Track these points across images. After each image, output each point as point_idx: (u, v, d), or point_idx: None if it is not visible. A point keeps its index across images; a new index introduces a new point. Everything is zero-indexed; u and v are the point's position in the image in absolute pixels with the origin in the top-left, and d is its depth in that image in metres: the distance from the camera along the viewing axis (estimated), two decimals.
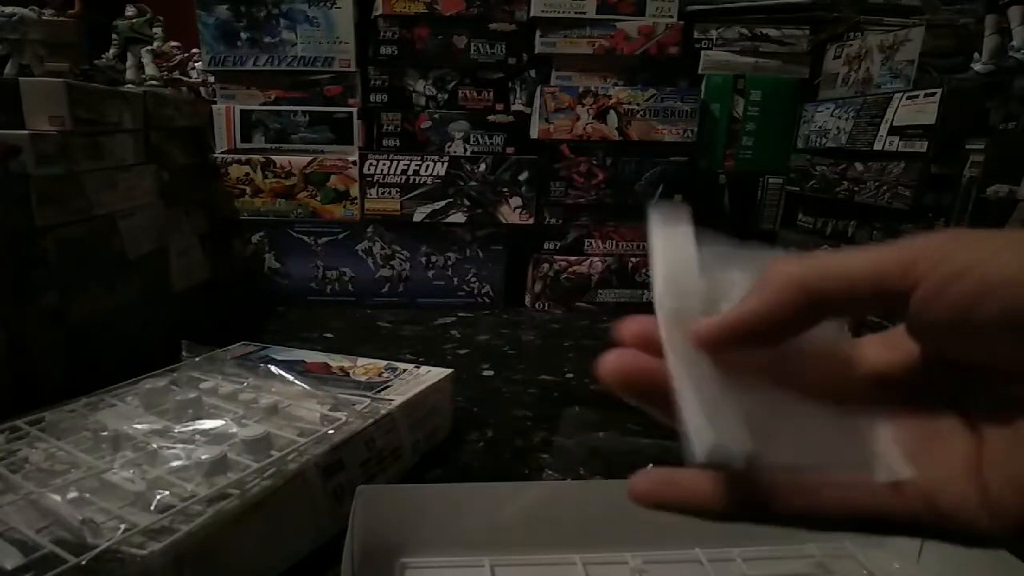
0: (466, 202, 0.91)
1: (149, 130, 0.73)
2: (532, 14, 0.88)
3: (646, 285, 0.95)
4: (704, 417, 0.17)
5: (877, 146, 0.78)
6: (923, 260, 0.17)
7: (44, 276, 0.54)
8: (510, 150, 0.92)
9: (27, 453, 0.38)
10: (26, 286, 0.53)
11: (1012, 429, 0.16)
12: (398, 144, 0.91)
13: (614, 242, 0.95)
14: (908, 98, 0.74)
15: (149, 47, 0.93)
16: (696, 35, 0.92)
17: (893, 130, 0.76)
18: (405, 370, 0.53)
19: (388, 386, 0.50)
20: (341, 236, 0.92)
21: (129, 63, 0.93)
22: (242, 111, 0.88)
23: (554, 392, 0.65)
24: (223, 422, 0.41)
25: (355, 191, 0.90)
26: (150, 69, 0.92)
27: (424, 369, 0.54)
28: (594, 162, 0.91)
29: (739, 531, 0.39)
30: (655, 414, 0.20)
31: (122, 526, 0.30)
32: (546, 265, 0.94)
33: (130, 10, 0.94)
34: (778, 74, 0.94)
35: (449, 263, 0.94)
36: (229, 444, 0.38)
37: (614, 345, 0.20)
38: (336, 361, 0.55)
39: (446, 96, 0.92)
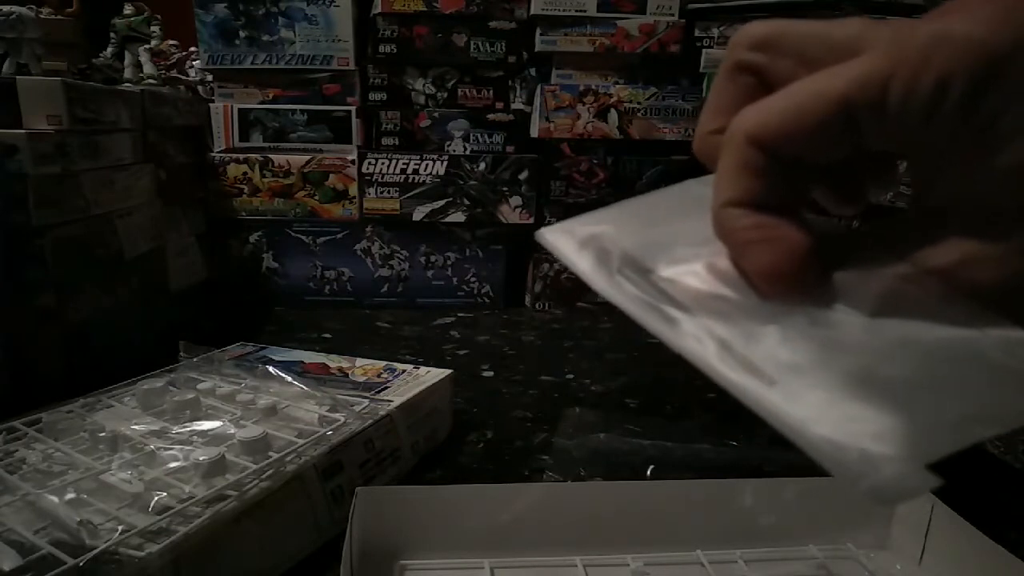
0: (466, 201, 0.91)
1: (147, 129, 0.72)
2: (532, 12, 0.87)
3: None
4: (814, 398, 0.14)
5: None
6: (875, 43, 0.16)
7: (41, 276, 0.54)
8: (510, 149, 0.92)
9: (24, 454, 0.38)
10: (23, 286, 0.53)
11: None
12: (397, 143, 0.91)
13: None
14: None
15: (147, 46, 0.93)
16: (697, 33, 0.92)
17: None
18: (404, 371, 0.53)
19: (387, 387, 0.50)
20: (340, 236, 0.92)
21: (127, 62, 0.92)
22: (240, 110, 0.88)
23: (554, 393, 0.65)
24: (221, 423, 0.41)
25: (354, 190, 0.90)
26: (148, 68, 0.92)
27: (423, 370, 0.54)
28: (595, 161, 0.91)
29: (740, 533, 0.39)
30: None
31: (120, 527, 0.30)
32: (546, 265, 0.94)
33: (128, 8, 0.94)
34: None
35: (448, 263, 0.94)
36: (227, 445, 0.38)
37: None
38: (335, 362, 0.55)
39: (445, 94, 0.92)
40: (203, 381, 0.46)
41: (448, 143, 0.91)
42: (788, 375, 0.15)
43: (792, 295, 0.17)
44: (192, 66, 0.99)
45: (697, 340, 0.16)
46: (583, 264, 0.19)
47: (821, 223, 0.19)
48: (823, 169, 0.18)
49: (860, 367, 0.15)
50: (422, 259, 0.94)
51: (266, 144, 0.89)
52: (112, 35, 0.93)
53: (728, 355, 0.15)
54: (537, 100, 0.90)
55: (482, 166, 0.90)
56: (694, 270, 0.18)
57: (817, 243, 0.17)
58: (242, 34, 0.86)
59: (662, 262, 0.18)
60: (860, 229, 0.19)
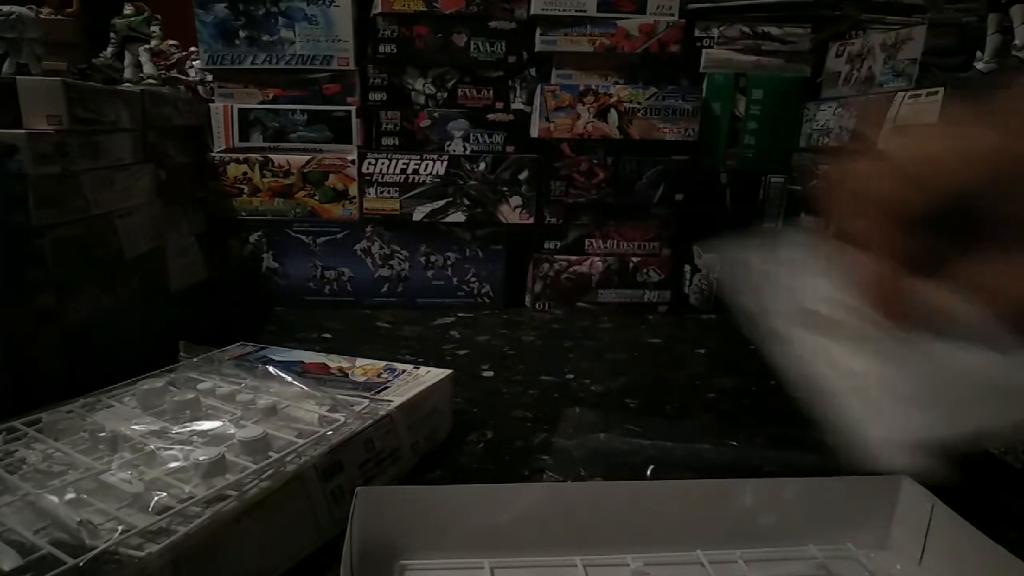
0: (466, 201, 0.91)
1: (147, 129, 0.72)
2: (532, 12, 0.87)
3: (647, 285, 0.95)
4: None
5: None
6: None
7: (41, 276, 0.54)
8: (510, 149, 0.92)
9: (24, 454, 0.38)
10: (23, 286, 0.53)
11: None
12: (397, 143, 0.91)
13: (615, 242, 0.94)
14: (910, 97, 0.74)
15: (147, 46, 0.93)
16: (697, 33, 0.92)
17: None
18: (404, 371, 0.53)
19: (387, 387, 0.50)
20: (340, 236, 0.92)
21: (127, 62, 0.93)
22: (240, 110, 0.88)
23: (554, 393, 0.65)
24: (221, 423, 0.41)
25: (354, 190, 0.90)
26: (148, 68, 0.92)
27: (423, 370, 0.54)
28: (595, 161, 0.91)
29: (740, 533, 0.39)
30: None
31: (120, 527, 0.30)
32: (546, 265, 0.94)
33: (128, 8, 0.94)
34: (780, 72, 0.94)
35: (448, 263, 0.94)
36: (227, 445, 0.38)
37: None
38: (335, 362, 0.55)
39: (445, 94, 0.92)
40: (203, 381, 0.46)
41: (448, 143, 0.91)
42: (862, 389, 0.23)
43: (893, 327, 0.23)
44: (192, 66, 0.99)
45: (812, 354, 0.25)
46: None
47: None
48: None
49: (912, 386, 0.22)
50: (422, 259, 0.94)
51: (266, 144, 0.89)
52: (112, 35, 0.93)
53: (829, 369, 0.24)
54: (537, 100, 0.90)
55: (482, 166, 0.90)
56: (828, 299, 0.25)
57: (920, 294, 0.22)
58: (242, 34, 0.86)
59: (809, 300, 0.26)
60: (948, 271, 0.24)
